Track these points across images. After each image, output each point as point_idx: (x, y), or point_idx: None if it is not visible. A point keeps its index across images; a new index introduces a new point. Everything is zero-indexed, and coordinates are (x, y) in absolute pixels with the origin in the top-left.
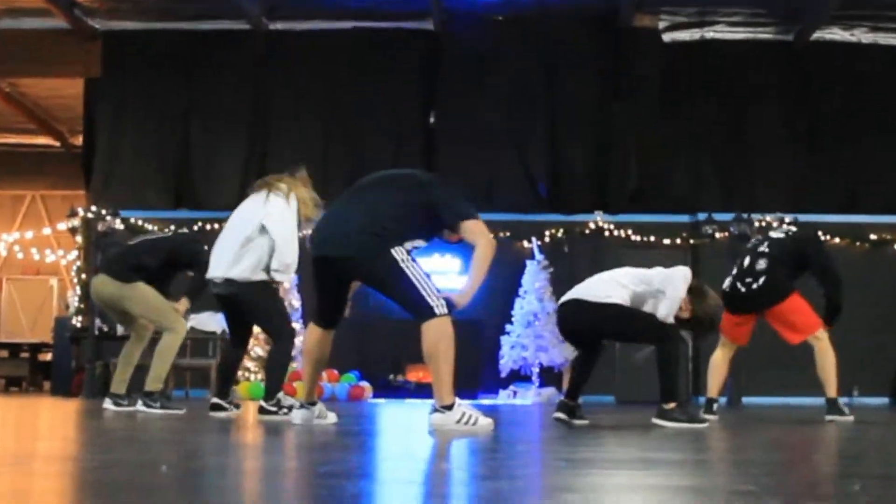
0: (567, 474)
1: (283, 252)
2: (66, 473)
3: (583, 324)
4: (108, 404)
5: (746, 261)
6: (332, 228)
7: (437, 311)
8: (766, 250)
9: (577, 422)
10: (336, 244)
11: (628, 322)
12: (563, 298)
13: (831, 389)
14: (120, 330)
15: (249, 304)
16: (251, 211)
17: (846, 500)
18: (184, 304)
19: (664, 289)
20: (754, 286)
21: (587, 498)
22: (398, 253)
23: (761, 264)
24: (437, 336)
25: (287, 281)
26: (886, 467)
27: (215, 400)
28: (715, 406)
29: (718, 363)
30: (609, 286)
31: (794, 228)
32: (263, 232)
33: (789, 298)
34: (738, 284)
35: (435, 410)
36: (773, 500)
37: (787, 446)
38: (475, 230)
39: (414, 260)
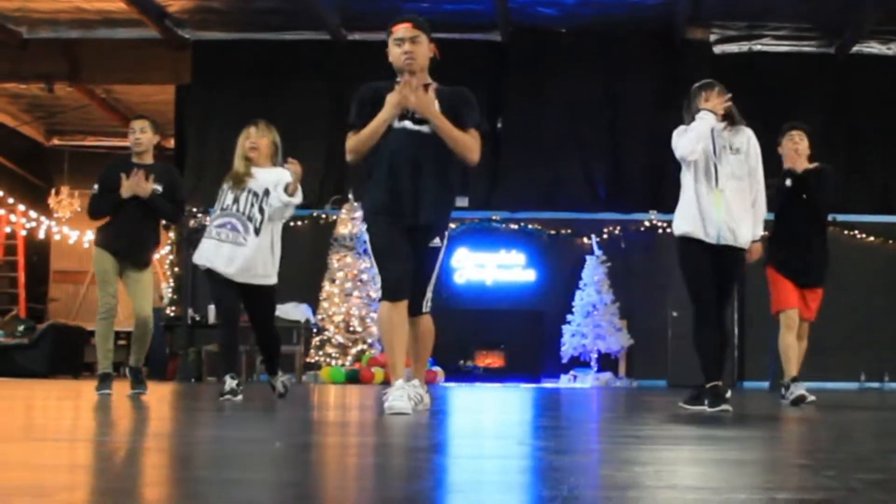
0: (635, 449)
1: None
2: (178, 449)
3: None
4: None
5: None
6: None
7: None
8: None
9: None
10: None
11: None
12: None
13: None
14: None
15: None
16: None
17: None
18: None
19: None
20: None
21: (658, 470)
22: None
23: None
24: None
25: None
26: None
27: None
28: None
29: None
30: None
31: None
32: None
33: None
34: None
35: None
36: (829, 472)
37: (830, 426)
38: None
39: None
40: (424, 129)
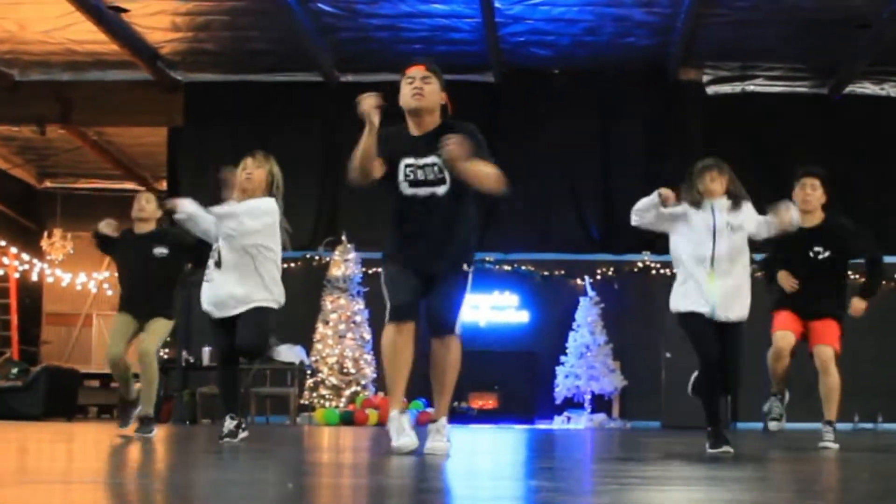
0: (645, 490)
1: None
2: (175, 491)
3: None
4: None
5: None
6: None
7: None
8: None
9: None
10: None
11: None
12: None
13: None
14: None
15: None
16: None
17: None
18: None
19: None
20: None
21: None
22: None
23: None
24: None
25: None
26: None
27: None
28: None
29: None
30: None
31: None
32: None
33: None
34: None
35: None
36: None
37: (836, 465)
38: None
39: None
40: (437, 190)
